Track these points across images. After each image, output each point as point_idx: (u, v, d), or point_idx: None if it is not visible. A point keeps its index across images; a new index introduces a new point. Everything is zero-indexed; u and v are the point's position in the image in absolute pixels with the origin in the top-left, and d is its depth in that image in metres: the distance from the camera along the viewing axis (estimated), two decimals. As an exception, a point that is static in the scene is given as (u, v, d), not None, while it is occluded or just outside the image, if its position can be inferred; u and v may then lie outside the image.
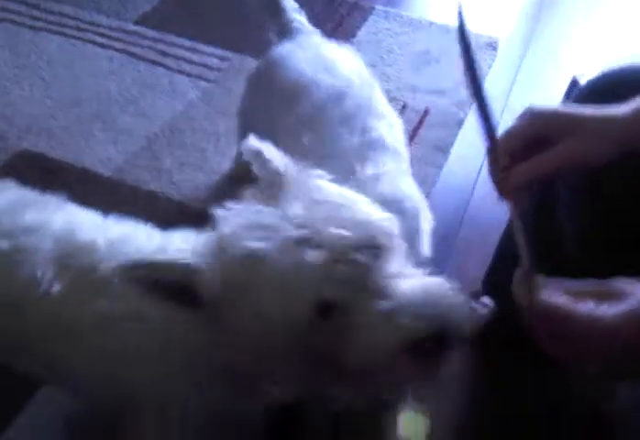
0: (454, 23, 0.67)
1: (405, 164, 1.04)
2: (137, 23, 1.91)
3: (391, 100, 1.61)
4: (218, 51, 1.82)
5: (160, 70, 1.75)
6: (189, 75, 1.74)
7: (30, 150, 1.47)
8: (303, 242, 0.53)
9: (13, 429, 0.98)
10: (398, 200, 0.93)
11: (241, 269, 0.55)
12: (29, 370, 0.81)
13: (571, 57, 1.88)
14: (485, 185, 1.49)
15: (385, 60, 1.84)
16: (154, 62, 1.77)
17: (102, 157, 1.48)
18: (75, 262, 0.70)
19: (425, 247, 0.99)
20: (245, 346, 0.59)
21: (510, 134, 0.63)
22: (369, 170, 0.94)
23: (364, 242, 0.54)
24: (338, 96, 1.01)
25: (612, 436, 1.06)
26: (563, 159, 0.60)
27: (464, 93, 1.72)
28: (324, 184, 0.61)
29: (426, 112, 1.65)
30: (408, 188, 0.99)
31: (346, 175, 0.91)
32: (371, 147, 0.97)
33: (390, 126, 1.03)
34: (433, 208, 1.41)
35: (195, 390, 0.68)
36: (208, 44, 1.84)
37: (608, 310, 0.49)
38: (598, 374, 0.56)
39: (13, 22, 1.87)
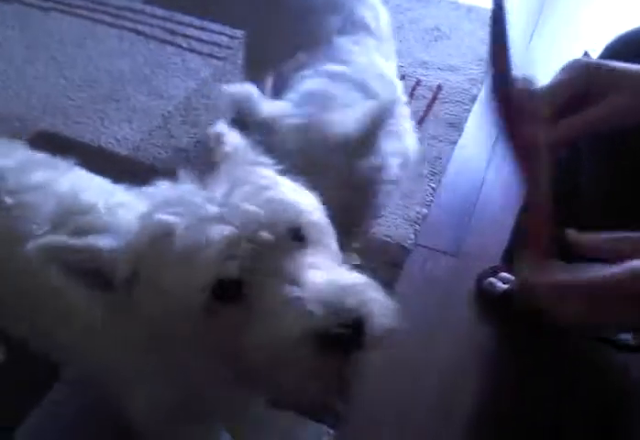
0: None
1: (387, 47, 1.13)
2: (145, 2, 1.91)
3: (404, 76, 1.62)
4: (227, 30, 1.82)
5: (171, 48, 1.75)
6: (200, 53, 1.74)
7: (47, 130, 1.48)
8: (214, 219, 0.51)
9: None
10: (371, 76, 0.99)
11: (150, 243, 0.53)
12: (19, 334, 0.82)
13: (582, 30, 1.88)
14: (499, 160, 1.50)
15: (395, 36, 1.82)
16: (164, 41, 1.77)
17: (118, 135, 1.49)
18: (72, 222, 0.69)
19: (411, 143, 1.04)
20: (152, 330, 0.57)
21: (553, 87, 0.61)
22: (347, 42, 1.04)
23: (275, 221, 0.51)
24: None
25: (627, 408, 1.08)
26: (610, 114, 0.59)
27: (476, 69, 1.73)
28: (262, 171, 0.58)
29: (439, 88, 1.66)
30: (385, 66, 1.05)
31: (328, 52, 1.03)
32: (354, 25, 1.08)
33: (375, 19, 1.12)
34: (448, 184, 1.44)
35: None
36: (217, 22, 1.84)
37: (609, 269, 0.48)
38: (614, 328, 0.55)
39: (22, 3, 1.87)
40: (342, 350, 0.49)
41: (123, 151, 1.45)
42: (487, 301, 1.21)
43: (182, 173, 0.58)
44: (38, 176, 0.75)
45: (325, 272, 0.52)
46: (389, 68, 1.07)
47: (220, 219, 0.50)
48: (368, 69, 0.99)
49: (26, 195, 0.73)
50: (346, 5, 1.10)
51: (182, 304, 0.51)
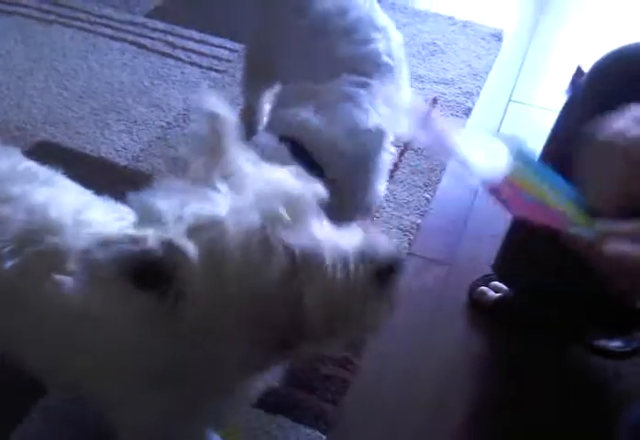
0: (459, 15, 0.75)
1: (398, 77, 1.16)
2: (147, 16, 1.94)
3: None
4: (228, 43, 1.85)
5: (171, 61, 1.78)
6: (200, 66, 1.77)
7: (48, 141, 1.51)
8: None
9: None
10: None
11: (210, 240, 0.52)
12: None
13: (575, 46, 1.91)
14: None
15: (392, 50, 1.86)
16: (164, 54, 1.80)
17: (118, 146, 1.51)
18: (38, 239, 0.68)
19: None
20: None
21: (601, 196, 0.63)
22: (352, 85, 1.06)
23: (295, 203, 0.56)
24: (342, 9, 1.13)
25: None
26: None
27: (471, 83, 1.76)
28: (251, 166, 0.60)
29: (435, 101, 1.69)
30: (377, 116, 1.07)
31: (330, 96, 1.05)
32: (364, 60, 1.10)
33: (387, 39, 1.13)
34: (442, 195, 1.46)
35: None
36: (217, 36, 1.88)
37: None
38: None
39: (24, 16, 1.90)
40: (392, 277, 0.59)
41: (122, 162, 1.48)
42: (479, 309, 1.22)
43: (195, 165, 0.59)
44: (15, 188, 0.74)
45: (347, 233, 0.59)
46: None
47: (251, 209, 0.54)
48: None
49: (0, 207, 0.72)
50: (359, 33, 1.11)
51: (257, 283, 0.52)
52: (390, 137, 1.11)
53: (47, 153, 1.47)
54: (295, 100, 1.04)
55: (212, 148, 0.59)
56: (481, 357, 1.18)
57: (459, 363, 1.16)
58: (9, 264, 0.68)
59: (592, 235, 0.57)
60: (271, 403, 1.03)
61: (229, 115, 0.60)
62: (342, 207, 0.88)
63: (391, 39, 1.15)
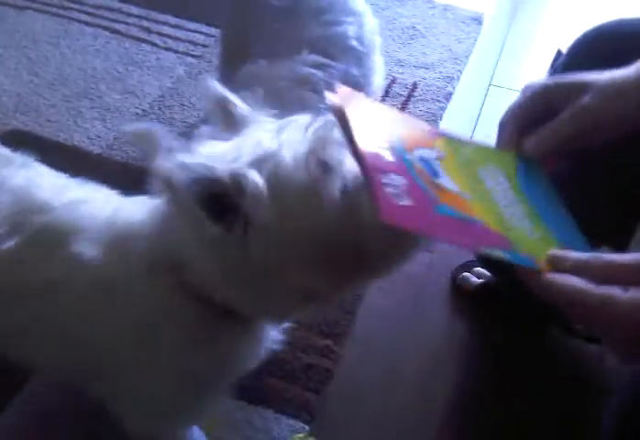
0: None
1: (369, 60, 1.12)
2: (121, 0, 1.89)
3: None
4: (203, 28, 1.81)
5: (146, 47, 1.74)
6: (175, 52, 1.73)
7: (20, 129, 1.46)
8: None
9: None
10: None
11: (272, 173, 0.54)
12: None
13: (556, 29, 1.90)
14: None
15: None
16: (139, 39, 1.76)
17: (91, 134, 1.47)
18: (33, 219, 0.67)
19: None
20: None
21: (514, 110, 0.60)
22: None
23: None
24: None
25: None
26: (573, 127, 0.57)
27: (451, 67, 1.74)
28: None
29: (415, 86, 1.66)
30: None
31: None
32: (329, 41, 1.06)
33: (360, 24, 1.10)
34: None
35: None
36: (193, 21, 1.83)
37: (625, 294, 0.44)
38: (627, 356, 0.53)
39: (-5, 1, 1.85)
40: None
41: (96, 150, 1.44)
42: (462, 295, 1.21)
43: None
44: None
45: None
46: None
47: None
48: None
49: None
50: (330, 14, 1.08)
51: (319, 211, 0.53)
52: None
53: (18, 142, 1.40)
54: (244, 82, 1.01)
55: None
56: (464, 343, 1.17)
57: (442, 350, 1.15)
58: (7, 245, 0.66)
59: (533, 265, 0.49)
60: (253, 394, 1.02)
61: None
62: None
63: (363, 25, 1.11)
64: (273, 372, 1.05)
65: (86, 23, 1.80)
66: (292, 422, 1.00)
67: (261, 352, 0.74)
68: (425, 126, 0.59)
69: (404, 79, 1.69)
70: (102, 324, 0.66)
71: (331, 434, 1.01)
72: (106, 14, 1.84)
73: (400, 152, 0.53)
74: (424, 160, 0.54)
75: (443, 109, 1.61)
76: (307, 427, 1.00)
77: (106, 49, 1.71)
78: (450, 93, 1.66)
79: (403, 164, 0.52)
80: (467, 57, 1.79)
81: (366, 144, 0.51)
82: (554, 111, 0.58)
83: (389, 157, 0.51)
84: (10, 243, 0.66)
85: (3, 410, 0.98)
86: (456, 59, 1.77)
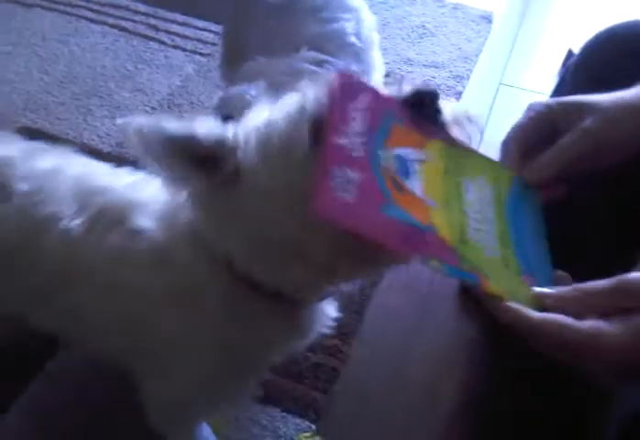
0: None
1: (367, 56, 1.10)
2: (130, -2, 1.89)
3: (389, 73, 1.62)
4: (212, 26, 1.81)
5: (155, 45, 1.74)
6: (184, 50, 1.73)
7: (29, 127, 1.47)
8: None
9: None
10: None
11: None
12: (44, 325, 0.81)
13: (567, 28, 1.89)
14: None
15: (381, 33, 1.82)
16: (147, 37, 1.76)
17: (100, 132, 1.48)
18: (95, 200, 0.71)
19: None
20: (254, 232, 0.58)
21: (516, 130, 0.60)
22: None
23: None
24: None
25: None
26: (574, 151, 0.56)
27: (461, 66, 1.73)
28: None
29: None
30: None
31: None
32: (328, 38, 1.04)
33: (357, 20, 1.09)
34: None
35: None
36: (201, 19, 1.83)
37: (610, 327, 0.45)
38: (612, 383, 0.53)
39: (4, -1, 1.85)
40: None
41: (106, 148, 1.44)
42: (470, 294, 1.21)
43: None
44: (46, 162, 0.75)
45: None
46: None
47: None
48: None
49: (41, 180, 0.72)
50: (327, 11, 1.07)
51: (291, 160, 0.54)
52: None
53: (28, 139, 1.43)
54: (245, 78, 1.01)
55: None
56: (472, 343, 1.17)
57: (450, 350, 1.15)
58: (77, 222, 0.69)
59: (475, 280, 0.49)
60: (260, 393, 1.02)
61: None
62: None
63: (361, 21, 1.11)
64: (280, 371, 1.04)
65: (94, 21, 1.80)
66: (298, 420, 1.00)
67: (306, 335, 0.74)
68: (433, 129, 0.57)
69: (414, 78, 1.68)
70: (152, 294, 0.68)
71: (337, 434, 1.01)
72: (114, 11, 1.84)
73: (375, 146, 0.52)
74: (400, 159, 0.53)
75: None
76: (313, 426, 1.00)
77: (115, 46, 1.72)
78: (460, 93, 1.65)
79: (370, 160, 0.51)
80: (477, 56, 1.78)
81: (341, 134, 0.51)
82: (557, 132, 0.57)
83: (358, 150, 0.51)
84: (77, 221, 0.69)
85: (7, 410, 0.99)
86: (466, 58, 1.77)
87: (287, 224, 0.55)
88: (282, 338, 0.72)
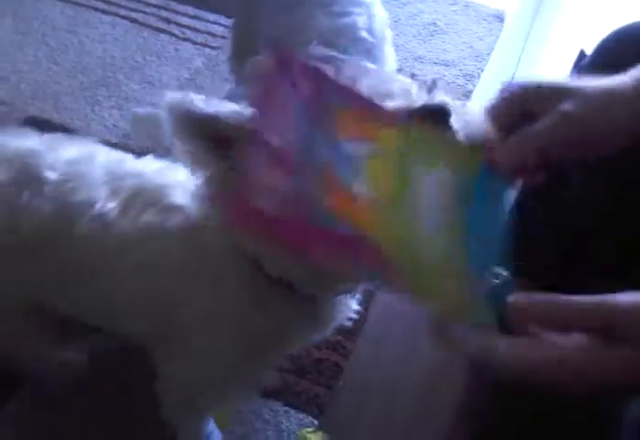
0: None
1: (380, 51, 1.08)
2: (140, -10, 1.89)
3: (399, 70, 1.61)
4: (222, 19, 1.80)
5: (165, 37, 1.73)
6: (194, 43, 1.72)
7: (37, 116, 1.46)
8: None
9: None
10: None
11: None
12: (74, 311, 0.82)
13: (578, 28, 1.87)
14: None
15: (392, 30, 1.80)
16: (158, 29, 1.75)
17: (108, 123, 1.47)
18: (127, 184, 0.72)
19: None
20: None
21: (487, 112, 0.56)
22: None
23: None
24: None
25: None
26: (561, 124, 0.51)
27: (471, 64, 1.72)
28: None
29: (434, 83, 1.65)
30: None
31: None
32: (339, 34, 1.02)
33: (369, 15, 1.07)
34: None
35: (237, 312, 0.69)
36: (212, 12, 1.83)
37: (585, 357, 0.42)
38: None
39: (14, -12, 1.85)
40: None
41: (113, 139, 1.44)
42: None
43: None
44: (71, 152, 0.75)
45: None
46: None
47: None
48: None
49: (70, 169, 0.73)
50: (338, 5, 1.05)
51: None
52: None
53: (35, 128, 1.43)
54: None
55: None
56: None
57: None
58: (111, 205, 0.71)
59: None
60: (263, 387, 1.01)
61: None
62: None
63: (373, 16, 1.09)
64: (284, 366, 1.04)
65: (105, 11, 1.79)
66: (301, 415, 1.00)
67: (326, 326, 0.75)
68: (391, 109, 0.51)
69: (424, 75, 1.67)
70: (182, 272, 0.69)
71: (339, 430, 1.00)
72: (125, 3, 1.83)
73: (314, 144, 0.47)
74: (344, 157, 0.48)
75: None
76: (316, 422, 0.99)
77: (125, 38, 1.71)
78: (470, 91, 1.64)
79: (302, 157, 0.47)
80: (488, 54, 1.77)
81: (268, 130, 0.48)
82: (531, 116, 0.53)
83: (288, 154, 0.47)
84: (111, 205, 0.70)
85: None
86: (477, 56, 1.75)
87: None
88: (302, 327, 0.72)
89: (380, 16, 1.13)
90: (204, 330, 0.71)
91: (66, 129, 1.44)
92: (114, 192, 0.71)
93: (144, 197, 0.71)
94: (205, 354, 0.73)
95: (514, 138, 0.52)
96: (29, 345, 0.92)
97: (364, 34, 1.05)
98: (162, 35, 1.73)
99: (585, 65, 0.88)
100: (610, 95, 0.52)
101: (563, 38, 1.87)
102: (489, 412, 1.05)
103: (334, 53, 1.01)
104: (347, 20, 1.05)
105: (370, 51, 1.06)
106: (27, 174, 0.72)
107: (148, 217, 0.70)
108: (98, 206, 0.70)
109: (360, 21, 1.06)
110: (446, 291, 0.46)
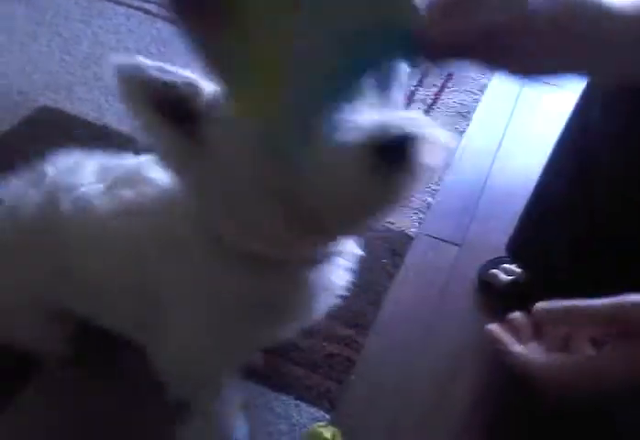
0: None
1: None
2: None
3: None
4: (236, 12, 1.80)
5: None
6: (207, 35, 1.71)
7: (49, 106, 1.46)
8: None
9: None
10: None
11: None
12: (71, 306, 0.85)
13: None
14: (507, 151, 1.48)
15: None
16: (171, 21, 1.74)
17: (121, 114, 1.47)
18: (112, 173, 0.76)
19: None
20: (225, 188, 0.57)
21: None
22: None
23: None
24: None
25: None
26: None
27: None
28: None
29: (449, 76, 1.64)
30: None
31: None
32: None
33: None
34: (454, 174, 1.42)
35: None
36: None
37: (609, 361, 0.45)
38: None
39: (28, -23, 1.84)
40: (391, 161, 0.49)
41: (126, 129, 1.43)
42: (489, 292, 1.19)
43: None
44: (74, 157, 0.82)
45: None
46: None
47: None
48: None
49: (69, 166, 0.80)
50: None
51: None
52: None
53: (48, 119, 1.43)
54: None
55: None
56: (486, 341, 1.15)
57: (464, 345, 1.13)
58: (92, 188, 0.75)
59: None
60: (275, 381, 1.01)
61: None
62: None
63: None
64: (295, 360, 1.04)
65: (119, 2, 1.79)
66: (312, 409, 0.99)
67: (315, 304, 0.74)
68: None
69: (438, 69, 1.66)
70: (158, 241, 0.70)
71: (351, 424, 1.00)
72: (138, -6, 1.83)
73: None
74: None
75: (477, 101, 1.58)
76: (327, 416, 0.99)
77: (139, 29, 1.70)
78: (485, 85, 1.63)
79: None
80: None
81: None
82: None
83: None
84: (94, 187, 0.75)
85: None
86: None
87: (244, 184, 0.55)
88: (288, 298, 0.71)
89: None
90: (182, 299, 0.72)
91: (79, 120, 1.44)
92: (99, 180, 0.76)
93: (125, 180, 0.74)
94: (188, 323, 0.73)
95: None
96: (47, 344, 0.95)
97: None
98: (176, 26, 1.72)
99: None
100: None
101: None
102: (501, 409, 1.05)
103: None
104: None
105: None
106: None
107: (129, 193, 0.72)
108: (81, 190, 0.75)
109: None
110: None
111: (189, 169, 0.58)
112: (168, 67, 0.55)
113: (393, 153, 0.49)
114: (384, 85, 0.53)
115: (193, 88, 0.55)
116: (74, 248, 0.76)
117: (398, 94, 1.00)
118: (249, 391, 0.99)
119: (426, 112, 1.53)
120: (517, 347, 0.50)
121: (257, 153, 0.52)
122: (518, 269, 1.16)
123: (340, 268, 0.75)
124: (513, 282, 1.16)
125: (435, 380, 1.07)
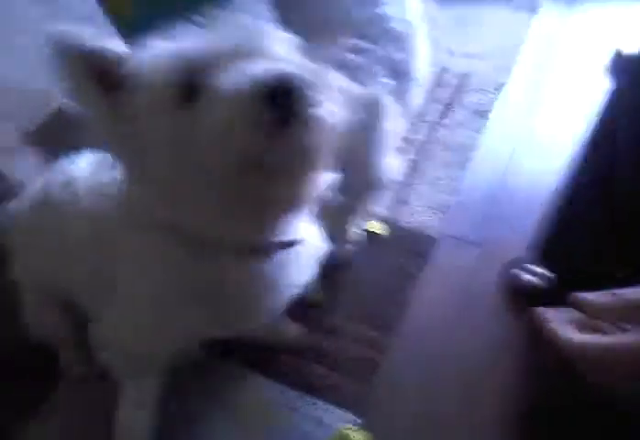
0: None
1: (410, 46, 1.06)
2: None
3: (431, 63, 1.60)
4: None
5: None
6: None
7: (67, 108, 1.47)
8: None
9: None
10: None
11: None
12: (66, 295, 0.88)
13: (613, 22, 1.84)
14: (525, 149, 1.48)
15: (426, 23, 1.80)
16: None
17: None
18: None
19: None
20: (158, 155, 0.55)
21: None
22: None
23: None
24: None
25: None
26: None
27: (503, 57, 1.70)
28: None
29: (466, 76, 1.63)
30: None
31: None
32: (370, 23, 1.00)
33: (401, 4, 1.05)
34: (472, 173, 1.42)
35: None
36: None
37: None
38: None
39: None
40: (280, 112, 0.46)
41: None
42: (511, 292, 1.19)
43: None
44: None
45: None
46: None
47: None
48: None
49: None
50: None
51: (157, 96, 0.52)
52: (392, 109, 1.01)
53: (65, 120, 1.44)
54: None
55: None
56: (510, 340, 1.15)
57: (490, 345, 1.13)
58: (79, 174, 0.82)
59: None
60: (302, 383, 1.03)
61: None
62: (347, 183, 0.80)
63: (405, 6, 1.07)
64: (322, 361, 1.05)
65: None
66: (341, 412, 1.00)
67: (267, 299, 0.71)
68: None
69: (456, 68, 1.65)
70: (116, 219, 0.72)
71: (378, 425, 1.00)
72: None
73: None
74: None
75: (494, 100, 1.58)
76: (358, 419, 0.99)
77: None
78: (502, 84, 1.62)
79: None
80: (520, 47, 1.75)
81: None
82: None
83: None
84: (81, 174, 0.82)
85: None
86: (509, 49, 1.73)
87: (164, 163, 0.54)
88: (230, 289, 0.68)
89: (414, 6, 1.11)
90: (129, 275, 0.73)
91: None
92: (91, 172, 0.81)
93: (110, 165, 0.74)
94: (131, 295, 0.74)
95: None
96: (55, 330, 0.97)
97: (395, 24, 1.03)
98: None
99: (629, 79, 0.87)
100: None
101: (597, 32, 1.84)
102: (526, 405, 1.05)
103: (366, 45, 1.00)
104: (378, 10, 1.04)
105: (402, 43, 1.05)
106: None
107: (106, 177, 0.76)
108: (69, 174, 0.81)
109: (392, 11, 1.04)
110: None
111: (117, 137, 0.57)
112: (102, 35, 0.55)
113: (283, 103, 0.45)
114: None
115: (117, 55, 0.55)
116: (64, 227, 0.80)
117: (415, 97, 0.99)
118: (276, 392, 1.00)
119: (444, 111, 1.53)
120: (567, 327, 0.51)
121: (169, 107, 0.52)
122: (540, 270, 1.16)
123: (302, 262, 0.71)
124: (537, 285, 1.15)
125: (459, 382, 1.07)
